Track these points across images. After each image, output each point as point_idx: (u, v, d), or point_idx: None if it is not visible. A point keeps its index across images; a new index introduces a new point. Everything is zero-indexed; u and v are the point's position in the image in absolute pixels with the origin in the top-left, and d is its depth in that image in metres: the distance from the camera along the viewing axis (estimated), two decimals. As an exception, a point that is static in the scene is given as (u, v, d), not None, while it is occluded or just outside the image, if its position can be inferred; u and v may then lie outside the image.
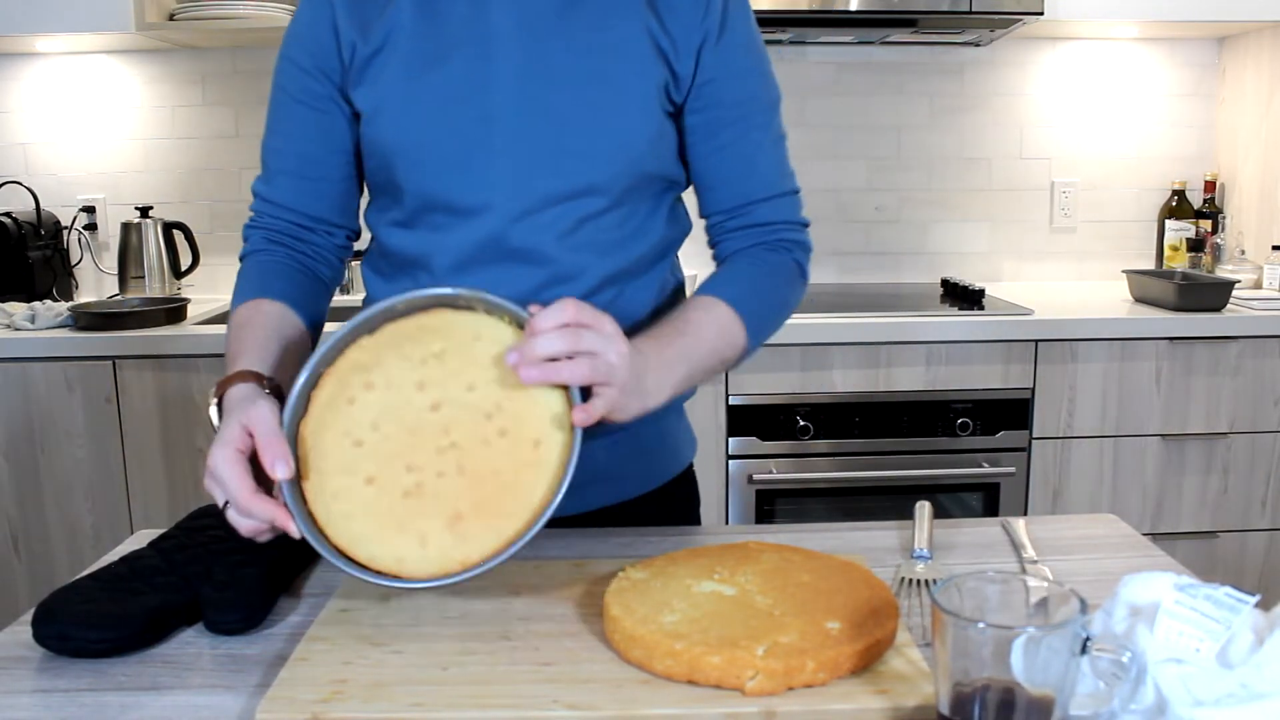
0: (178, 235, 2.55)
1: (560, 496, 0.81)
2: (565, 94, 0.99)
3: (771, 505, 2.22)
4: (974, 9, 2.26)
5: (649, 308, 1.08)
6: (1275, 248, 2.45)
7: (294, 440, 0.84)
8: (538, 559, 0.95)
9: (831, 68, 2.68)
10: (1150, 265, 2.76)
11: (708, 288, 1.02)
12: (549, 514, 0.81)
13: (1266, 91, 2.55)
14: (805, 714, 0.69)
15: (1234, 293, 2.30)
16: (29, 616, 0.82)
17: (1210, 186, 2.68)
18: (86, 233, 2.68)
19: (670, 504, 1.17)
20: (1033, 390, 2.20)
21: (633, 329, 1.06)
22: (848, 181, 2.72)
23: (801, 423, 2.16)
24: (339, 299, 2.29)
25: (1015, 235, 2.78)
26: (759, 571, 0.84)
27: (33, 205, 2.56)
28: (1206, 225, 2.64)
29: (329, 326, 1.08)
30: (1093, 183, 2.76)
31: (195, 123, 2.65)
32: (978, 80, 2.70)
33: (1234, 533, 2.30)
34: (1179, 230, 2.66)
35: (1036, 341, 2.18)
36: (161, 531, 1.00)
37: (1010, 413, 2.21)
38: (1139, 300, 2.38)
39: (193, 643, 0.83)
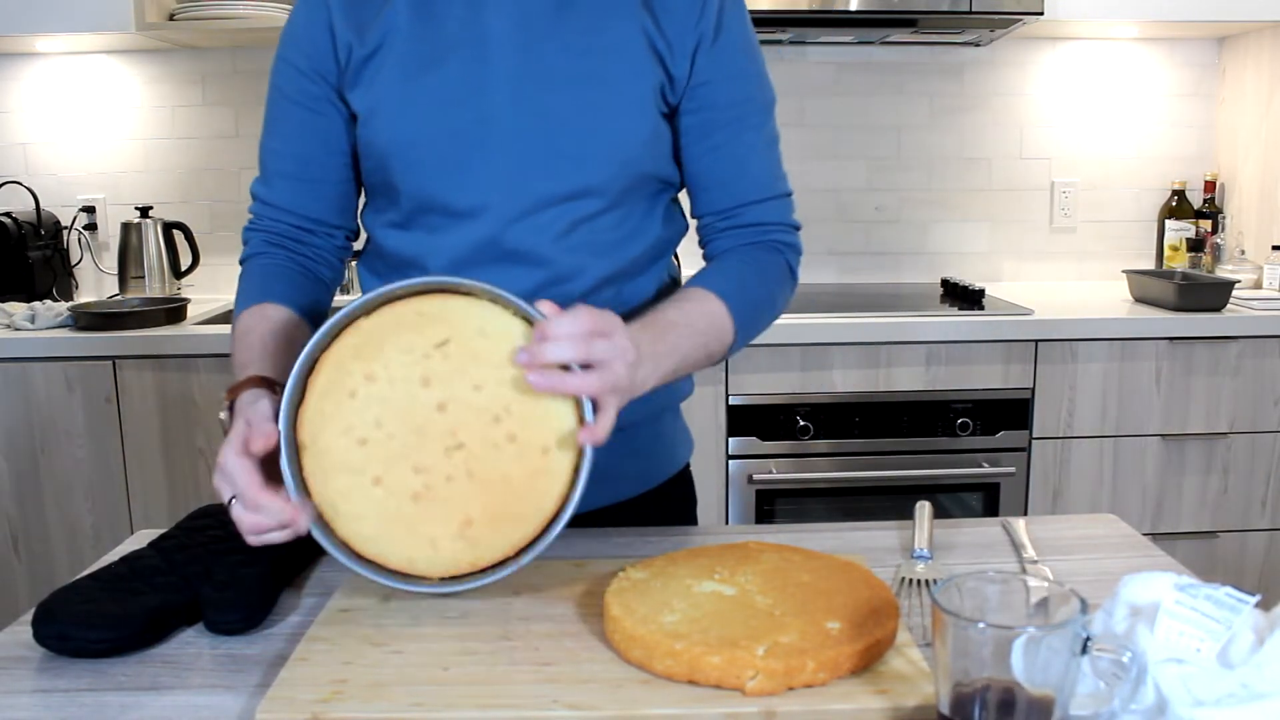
0: (178, 235, 2.55)
1: (574, 505, 0.83)
2: (561, 96, 0.99)
3: (771, 505, 2.22)
4: (974, 9, 2.26)
5: (645, 308, 1.08)
6: (1275, 248, 2.45)
7: (292, 426, 0.84)
8: (538, 559, 0.95)
9: (831, 68, 2.68)
10: (1150, 265, 2.76)
11: (701, 280, 1.02)
12: (563, 522, 0.84)
13: (1266, 91, 2.55)
14: (805, 714, 0.69)
15: (1234, 293, 2.30)
16: (29, 616, 0.82)
17: (1210, 186, 2.68)
18: (86, 233, 2.68)
19: (667, 504, 1.17)
20: (1033, 390, 2.20)
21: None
22: (848, 181, 2.72)
23: (801, 423, 2.16)
24: (339, 299, 2.29)
25: (1015, 235, 2.78)
26: (759, 571, 0.84)
27: (33, 205, 2.56)
28: (1206, 225, 2.64)
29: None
30: (1093, 183, 2.76)
31: (195, 123, 2.65)
32: (978, 80, 2.70)
33: (1234, 533, 2.30)
34: (1179, 230, 2.66)
35: (1036, 341, 2.18)
36: (161, 531, 1.00)
37: (1010, 413, 2.21)
38: (1139, 300, 2.38)
39: (193, 643, 0.83)
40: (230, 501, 0.82)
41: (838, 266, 2.76)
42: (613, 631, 0.77)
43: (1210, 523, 2.29)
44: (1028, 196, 2.76)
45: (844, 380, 2.17)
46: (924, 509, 1.04)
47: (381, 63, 1.00)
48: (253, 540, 0.83)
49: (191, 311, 2.36)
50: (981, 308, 2.29)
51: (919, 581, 0.91)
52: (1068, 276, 2.80)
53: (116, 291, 2.57)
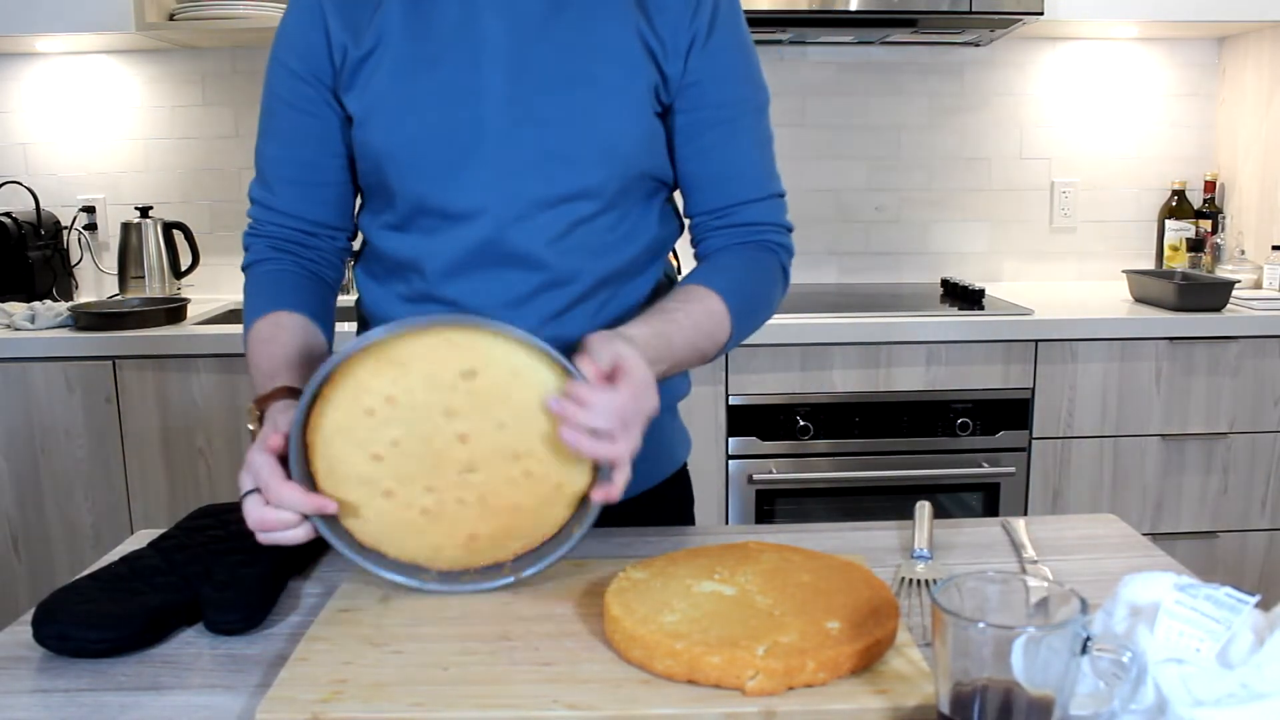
0: (178, 235, 2.55)
1: (583, 532, 0.87)
2: (555, 97, 0.99)
3: (771, 505, 2.22)
4: (974, 9, 2.26)
5: (642, 309, 1.08)
6: (1275, 248, 2.45)
7: (303, 431, 0.84)
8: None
9: (831, 68, 2.68)
10: (1150, 265, 2.76)
11: (703, 278, 1.02)
12: (569, 545, 0.86)
13: (1266, 91, 2.55)
14: (805, 714, 0.69)
15: (1234, 293, 2.30)
16: (29, 616, 0.82)
17: (1210, 186, 2.68)
18: (86, 233, 2.68)
19: (665, 504, 1.16)
20: (1033, 390, 2.20)
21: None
22: (848, 181, 2.72)
23: (801, 423, 2.16)
24: (339, 300, 2.29)
25: (1015, 235, 2.78)
26: (759, 571, 0.84)
27: (33, 205, 2.56)
28: (1206, 225, 2.64)
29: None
30: (1093, 183, 2.76)
31: (195, 123, 2.65)
32: (978, 80, 2.70)
33: (1234, 533, 2.30)
34: (1179, 230, 2.66)
35: (1036, 341, 2.18)
36: (161, 531, 1.00)
37: (1010, 413, 2.21)
38: (1139, 300, 2.38)
39: (193, 643, 0.83)
40: (246, 496, 0.83)
41: (838, 266, 2.76)
42: (613, 631, 0.77)
43: (1210, 523, 2.29)
44: (1028, 196, 2.76)
45: (844, 380, 2.17)
46: (924, 509, 1.04)
47: (376, 65, 1.00)
48: (262, 538, 0.83)
49: (191, 311, 2.36)
50: (981, 308, 2.29)
51: (919, 581, 0.91)
52: (1068, 276, 2.80)
53: (116, 291, 2.57)
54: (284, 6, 1.96)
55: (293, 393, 0.91)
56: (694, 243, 1.10)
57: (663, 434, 1.16)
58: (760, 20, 2.32)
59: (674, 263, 1.17)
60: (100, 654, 0.80)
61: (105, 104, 2.63)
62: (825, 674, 0.71)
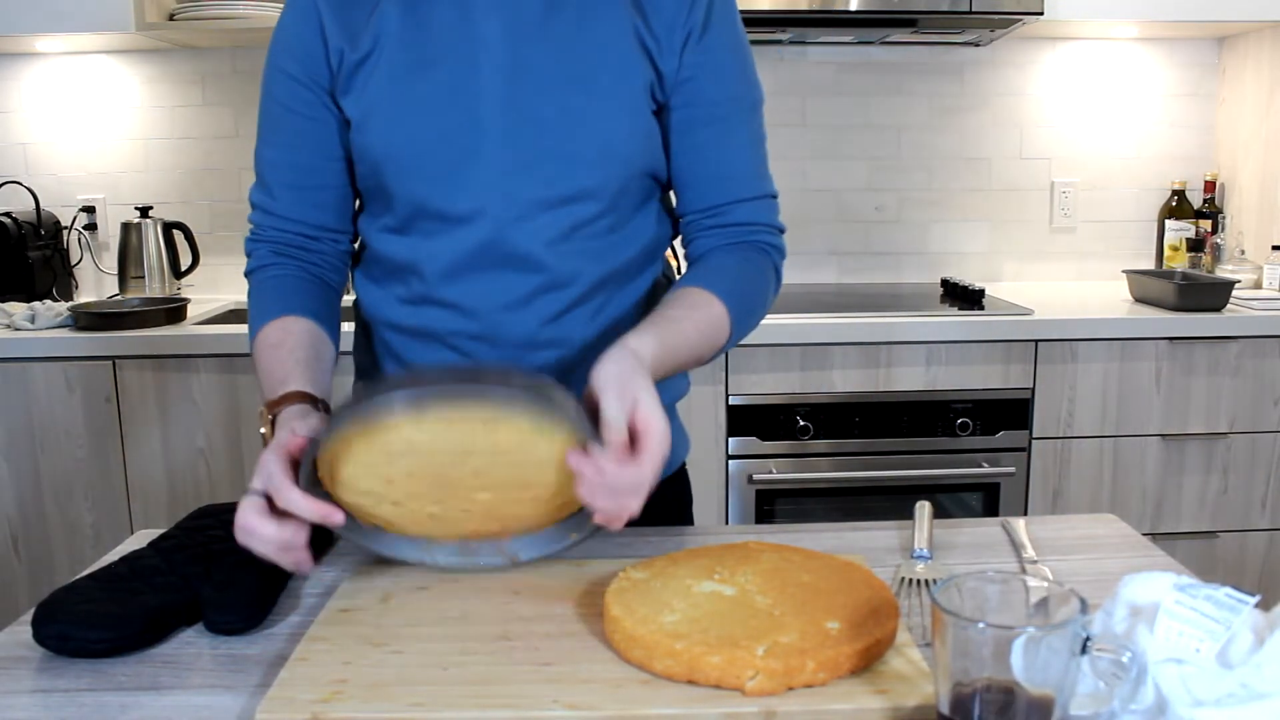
0: (178, 235, 2.55)
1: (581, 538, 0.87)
2: (552, 98, 0.98)
3: (771, 505, 2.22)
4: (974, 9, 2.26)
5: (640, 310, 1.08)
6: (1275, 248, 2.45)
7: (313, 461, 0.84)
8: (538, 558, 0.95)
9: (831, 68, 2.68)
10: (1150, 265, 2.76)
11: (704, 281, 1.01)
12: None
13: (1266, 91, 2.55)
14: (805, 714, 0.69)
15: (1234, 293, 2.30)
16: (29, 616, 0.82)
17: (1210, 186, 2.68)
18: (86, 233, 2.68)
19: (663, 504, 1.16)
20: (1033, 390, 2.20)
21: (623, 330, 1.06)
22: (848, 181, 2.72)
23: (801, 423, 2.16)
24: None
25: (1015, 235, 2.78)
26: (759, 571, 0.84)
27: (33, 205, 2.56)
28: (1206, 225, 2.64)
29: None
30: (1093, 183, 2.76)
31: (195, 123, 2.65)
32: (978, 80, 2.70)
33: (1234, 533, 2.30)
34: (1179, 230, 2.66)
35: (1036, 341, 2.18)
36: (161, 531, 1.00)
37: (1010, 413, 2.21)
38: (1139, 300, 2.38)
39: (193, 643, 0.83)
40: (247, 496, 0.82)
41: (838, 266, 2.76)
42: (613, 631, 0.77)
43: (1210, 523, 2.29)
44: (1028, 196, 2.76)
45: (844, 380, 2.17)
46: (924, 509, 1.04)
47: (373, 68, 1.00)
48: (240, 538, 0.82)
49: (191, 311, 2.36)
50: (981, 308, 2.29)
51: (919, 581, 0.91)
52: (1068, 276, 2.80)
53: (116, 291, 2.57)
54: (282, 6, 1.95)
55: (304, 397, 0.91)
56: (685, 242, 1.10)
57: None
58: (760, 20, 2.32)
59: (672, 263, 1.17)
60: (100, 654, 0.80)
61: (105, 104, 2.63)
62: (825, 674, 0.71)
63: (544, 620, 0.82)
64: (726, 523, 2.21)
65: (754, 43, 2.61)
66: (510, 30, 0.99)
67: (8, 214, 2.48)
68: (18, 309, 2.26)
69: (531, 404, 0.79)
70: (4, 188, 2.59)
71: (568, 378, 1.05)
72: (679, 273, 1.10)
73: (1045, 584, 0.64)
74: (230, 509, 1.02)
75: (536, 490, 0.84)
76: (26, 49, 2.57)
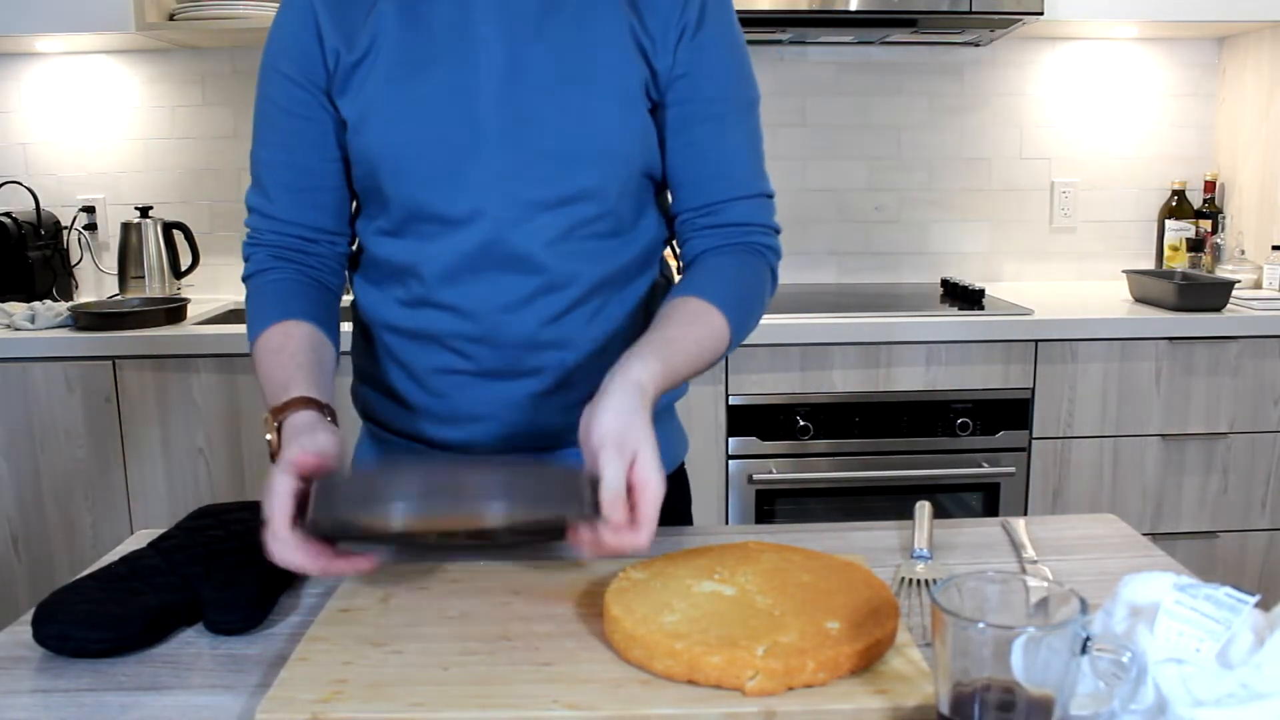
0: (178, 235, 2.55)
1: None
2: (550, 98, 0.98)
3: (771, 505, 2.22)
4: (974, 9, 2.26)
5: (639, 311, 1.08)
6: (1275, 248, 2.45)
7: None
8: (538, 558, 0.95)
9: (831, 68, 2.68)
10: (1150, 265, 2.76)
11: (701, 289, 1.00)
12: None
13: (1266, 91, 2.55)
14: (805, 714, 0.69)
15: (1234, 293, 2.30)
16: (29, 616, 0.82)
17: (1210, 186, 2.68)
18: (86, 233, 2.68)
19: (664, 504, 1.16)
20: (1033, 390, 2.20)
21: (622, 331, 1.06)
22: (848, 181, 2.72)
23: (801, 423, 2.16)
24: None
25: (1015, 235, 2.78)
26: (759, 571, 0.84)
27: (33, 205, 2.56)
28: (1206, 225, 2.64)
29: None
30: (1093, 183, 2.76)
31: (195, 123, 2.65)
32: (978, 80, 2.70)
33: (1234, 533, 2.30)
34: (1179, 230, 2.66)
35: (1036, 341, 2.18)
36: (161, 531, 1.00)
37: (1010, 413, 2.21)
38: (1139, 300, 2.38)
39: (193, 643, 0.83)
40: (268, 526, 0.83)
41: (838, 266, 2.76)
42: (613, 631, 0.77)
43: (1210, 523, 2.29)
44: (1028, 196, 2.76)
45: (844, 380, 2.17)
46: (924, 509, 1.04)
47: (370, 69, 0.99)
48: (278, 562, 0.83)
49: (191, 311, 2.36)
50: (981, 308, 2.29)
51: (919, 581, 0.91)
52: (1068, 276, 2.80)
53: (116, 291, 2.57)
54: (284, 6, 1.93)
55: (309, 403, 0.91)
56: (680, 241, 1.09)
57: (661, 434, 1.15)
58: (760, 20, 2.32)
59: (671, 263, 1.17)
60: (100, 654, 0.80)
61: (105, 104, 2.63)
62: (825, 674, 0.71)
63: (544, 620, 0.82)
64: (726, 523, 2.21)
65: (754, 43, 2.62)
66: (507, 30, 0.99)
67: (8, 214, 2.48)
68: (18, 309, 2.26)
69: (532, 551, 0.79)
70: (4, 188, 2.59)
71: (568, 378, 1.05)
72: (678, 273, 1.10)
73: (1045, 584, 0.63)
74: (230, 509, 1.02)
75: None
76: (26, 49, 2.57)
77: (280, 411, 0.91)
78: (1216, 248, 2.61)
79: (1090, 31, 2.61)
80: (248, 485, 2.17)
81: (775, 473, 2.18)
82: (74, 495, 2.17)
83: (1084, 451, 2.23)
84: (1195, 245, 2.58)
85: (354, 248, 1.13)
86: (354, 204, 1.10)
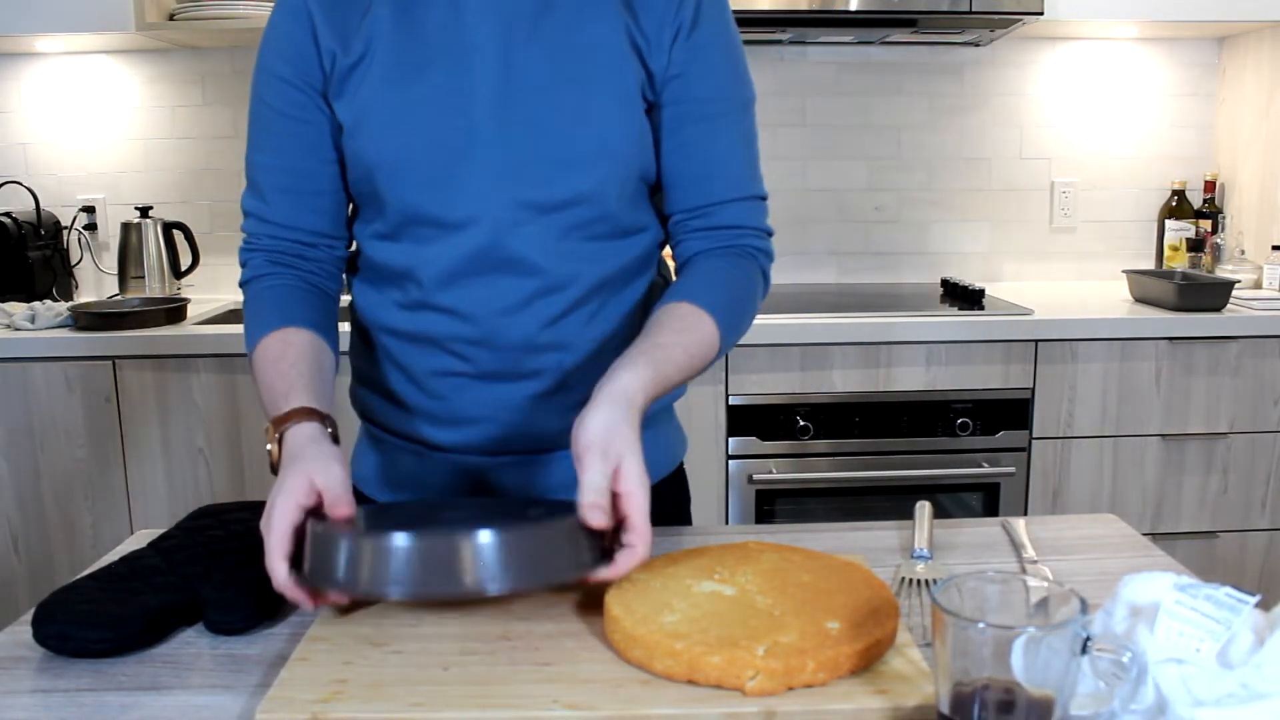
0: (178, 235, 2.55)
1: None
2: (546, 101, 0.98)
3: (771, 505, 2.22)
4: (974, 9, 2.26)
5: (637, 312, 1.07)
6: (1275, 248, 2.45)
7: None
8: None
9: (831, 68, 2.68)
10: (1150, 265, 2.76)
11: (691, 294, 0.99)
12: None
13: (1266, 91, 2.55)
14: (805, 714, 0.69)
15: (1234, 293, 2.30)
16: (29, 616, 0.82)
17: (1210, 186, 2.68)
18: (86, 233, 2.68)
19: (662, 504, 1.15)
20: (1033, 390, 2.20)
21: (621, 332, 1.06)
22: (848, 181, 2.72)
23: (801, 423, 2.16)
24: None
25: (1015, 235, 2.78)
26: (759, 571, 0.84)
27: (33, 205, 2.56)
28: (1206, 225, 2.64)
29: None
30: (1093, 183, 2.76)
31: (195, 123, 2.65)
32: (978, 80, 2.70)
33: (1234, 533, 2.30)
34: (1179, 230, 2.66)
35: (1036, 341, 2.18)
36: (161, 531, 1.00)
37: (1010, 413, 2.21)
38: (1139, 300, 2.38)
39: (193, 643, 0.83)
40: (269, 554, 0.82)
41: (838, 266, 2.76)
42: (613, 631, 0.77)
43: (1210, 523, 2.29)
44: (1028, 196, 2.76)
45: (844, 380, 2.17)
46: (924, 509, 1.04)
47: (365, 72, 0.99)
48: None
49: (191, 311, 2.36)
50: (981, 308, 2.29)
51: (919, 581, 0.91)
52: (1068, 276, 2.80)
53: (116, 291, 2.57)
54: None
55: (310, 414, 0.90)
56: (672, 243, 1.09)
57: (660, 435, 1.16)
58: (760, 20, 2.32)
59: (669, 263, 1.16)
60: (100, 654, 0.80)
61: (105, 104, 2.63)
62: (825, 674, 0.71)
63: (544, 620, 0.82)
64: (726, 523, 2.21)
65: (754, 43, 2.63)
66: (502, 32, 0.98)
67: (8, 214, 2.48)
68: (18, 309, 2.26)
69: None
70: (4, 188, 2.59)
71: (567, 380, 1.05)
72: (675, 273, 1.10)
73: (1045, 584, 0.64)
74: (230, 509, 1.02)
75: None
76: (26, 49, 2.57)
77: (282, 422, 0.90)
78: (1216, 248, 2.61)
79: (1090, 31, 2.61)
80: (248, 485, 2.17)
81: (775, 473, 2.18)
82: (74, 495, 2.17)
83: (1084, 451, 2.23)
84: (1195, 245, 2.58)
85: (351, 250, 1.12)
86: (350, 207, 1.10)
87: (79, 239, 2.68)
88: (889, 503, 2.21)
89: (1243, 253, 2.58)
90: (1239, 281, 2.35)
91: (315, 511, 0.84)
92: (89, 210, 2.67)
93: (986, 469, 2.21)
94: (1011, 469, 2.21)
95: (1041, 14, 2.29)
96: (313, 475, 0.84)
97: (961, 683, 0.59)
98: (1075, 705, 0.61)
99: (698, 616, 0.76)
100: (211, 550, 0.93)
